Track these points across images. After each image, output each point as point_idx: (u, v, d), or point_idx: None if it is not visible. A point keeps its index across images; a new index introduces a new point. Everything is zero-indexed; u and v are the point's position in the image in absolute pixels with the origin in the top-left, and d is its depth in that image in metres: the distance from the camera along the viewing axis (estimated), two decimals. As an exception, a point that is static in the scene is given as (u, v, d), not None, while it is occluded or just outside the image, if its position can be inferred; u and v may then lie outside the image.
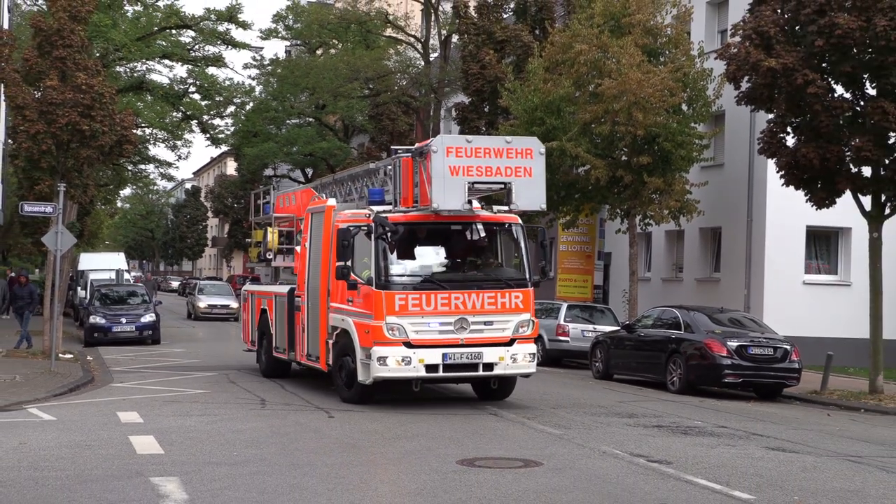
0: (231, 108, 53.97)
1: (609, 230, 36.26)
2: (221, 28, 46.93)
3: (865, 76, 22.96)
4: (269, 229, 24.02)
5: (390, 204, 18.57)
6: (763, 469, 13.08)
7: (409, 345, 17.56)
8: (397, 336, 17.52)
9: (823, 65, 23.02)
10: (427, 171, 17.72)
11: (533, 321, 18.57)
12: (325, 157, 55.86)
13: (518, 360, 18.16)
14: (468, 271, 18.86)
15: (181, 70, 50.83)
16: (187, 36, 47.58)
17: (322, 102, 55.53)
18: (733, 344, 23.04)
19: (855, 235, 28.99)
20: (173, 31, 46.99)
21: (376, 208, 18.32)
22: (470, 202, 17.82)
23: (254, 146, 58.61)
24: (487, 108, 38.59)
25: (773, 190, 28.40)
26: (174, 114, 49.44)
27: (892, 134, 22.65)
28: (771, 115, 24.40)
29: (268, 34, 58.18)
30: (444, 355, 17.69)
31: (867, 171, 23.56)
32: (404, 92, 53.04)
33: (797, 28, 23.06)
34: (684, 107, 29.89)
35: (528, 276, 18.61)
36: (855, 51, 22.51)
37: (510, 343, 18.07)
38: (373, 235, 17.77)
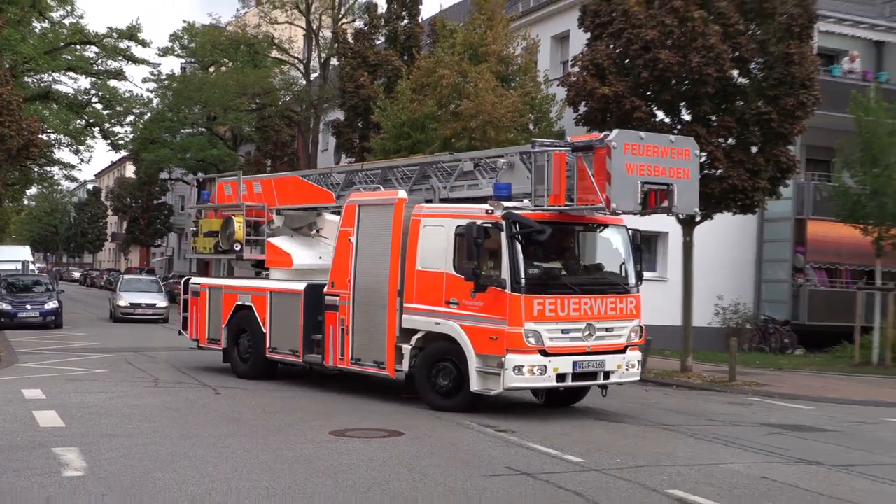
0: (130, 118, 53.74)
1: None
2: (123, 45, 46.79)
3: (682, 104, 23.67)
4: (236, 218, 19.66)
5: (514, 199, 15.24)
6: (593, 437, 13.45)
7: (544, 353, 14.52)
8: (534, 344, 14.43)
9: (648, 93, 23.66)
10: (601, 168, 14.53)
11: (642, 327, 16.17)
12: (216, 162, 55.23)
13: (631, 367, 15.67)
14: (593, 275, 16.03)
15: (85, 82, 49.96)
16: (91, 51, 47.26)
17: (213, 114, 54.89)
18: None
19: (671, 239, 29.81)
20: (78, 47, 46.40)
21: (506, 205, 14.91)
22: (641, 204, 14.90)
23: (151, 152, 58.29)
24: (361, 123, 38.53)
25: (605, 199, 28.95)
26: (78, 121, 48.78)
27: (703, 153, 23.42)
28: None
29: (165, 52, 57.36)
30: (575, 364, 14.85)
31: (682, 184, 24.23)
32: (287, 107, 52.81)
33: (626, 61, 23.64)
34: (531, 126, 30.36)
35: (636, 280, 16.14)
36: (674, 82, 23.21)
37: (624, 350, 15.58)
38: (504, 234, 14.48)
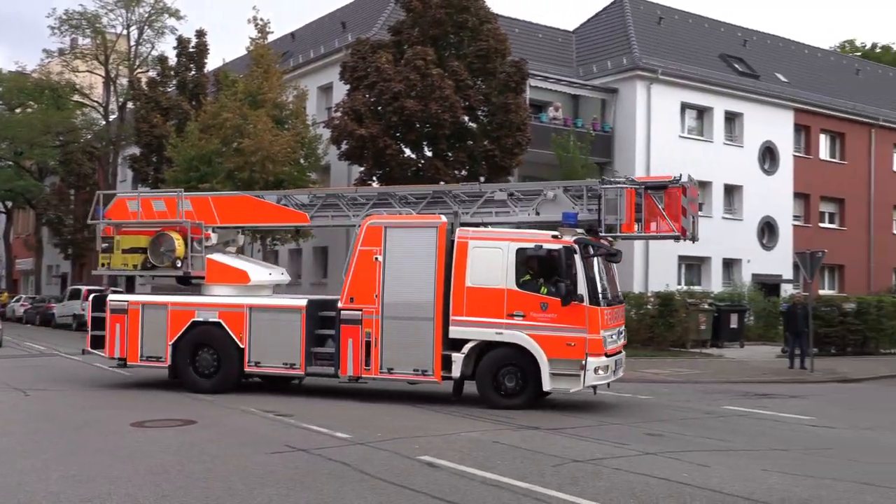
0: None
1: (247, 250, 35.67)
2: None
3: (425, 143, 24.14)
4: (175, 235, 16.91)
5: (577, 226, 15.04)
6: (358, 417, 13.36)
7: (608, 355, 14.63)
8: (605, 347, 14.51)
9: (397, 134, 24.00)
10: (675, 204, 14.92)
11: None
12: (23, 192, 51.80)
13: (623, 363, 15.82)
14: (613, 288, 15.83)
15: None
16: None
17: (20, 150, 51.26)
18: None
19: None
20: None
21: (564, 230, 14.74)
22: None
23: (-40, 183, 53.34)
24: (155, 157, 37.04)
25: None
26: None
27: (442, 182, 23.93)
28: (362, 168, 25.07)
29: (-27, 95, 52.87)
30: (616, 362, 15.05)
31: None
32: (89, 143, 50.18)
33: (379, 108, 23.89)
34: (302, 161, 30.11)
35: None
36: (418, 125, 23.63)
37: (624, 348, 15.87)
38: (578, 256, 14.30)
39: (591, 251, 14.64)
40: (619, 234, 15.41)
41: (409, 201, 16.60)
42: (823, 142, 42.11)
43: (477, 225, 15.83)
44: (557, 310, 14.43)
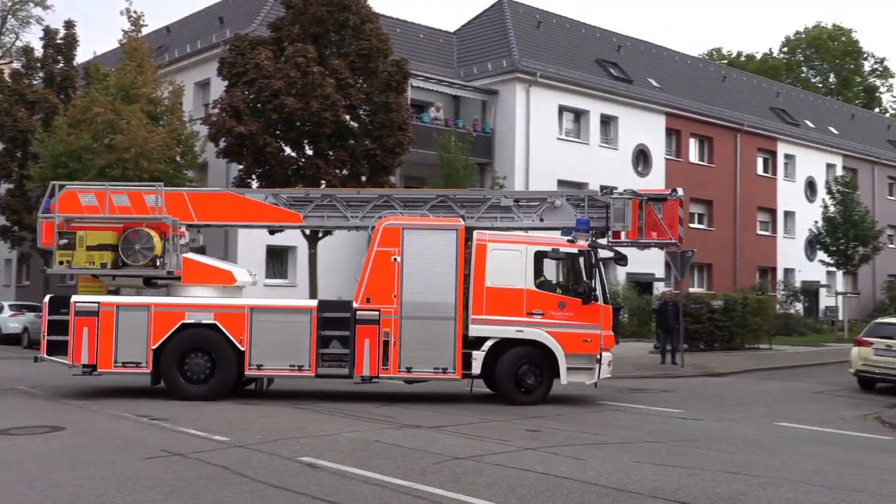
0: None
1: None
2: None
3: (306, 141, 23.92)
4: (152, 231, 15.81)
5: (592, 231, 16.32)
6: (235, 418, 13.14)
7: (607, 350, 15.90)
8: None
9: (277, 132, 23.68)
10: (672, 214, 16.66)
11: None
12: None
13: None
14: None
15: None
16: None
17: None
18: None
19: (299, 251, 29.97)
20: None
21: (576, 237, 16.09)
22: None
23: None
24: (20, 153, 35.29)
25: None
26: None
27: (323, 182, 23.76)
28: (241, 166, 24.65)
29: None
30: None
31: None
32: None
33: (259, 105, 23.52)
34: (178, 158, 29.36)
35: None
36: (298, 123, 23.39)
37: None
38: (592, 259, 15.70)
39: (599, 255, 15.94)
40: (625, 240, 16.74)
41: (411, 205, 16.76)
42: (693, 145, 43.88)
43: (486, 229, 16.41)
44: (574, 308, 15.66)
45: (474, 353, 15.47)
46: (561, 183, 36.62)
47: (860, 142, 55.19)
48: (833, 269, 44.43)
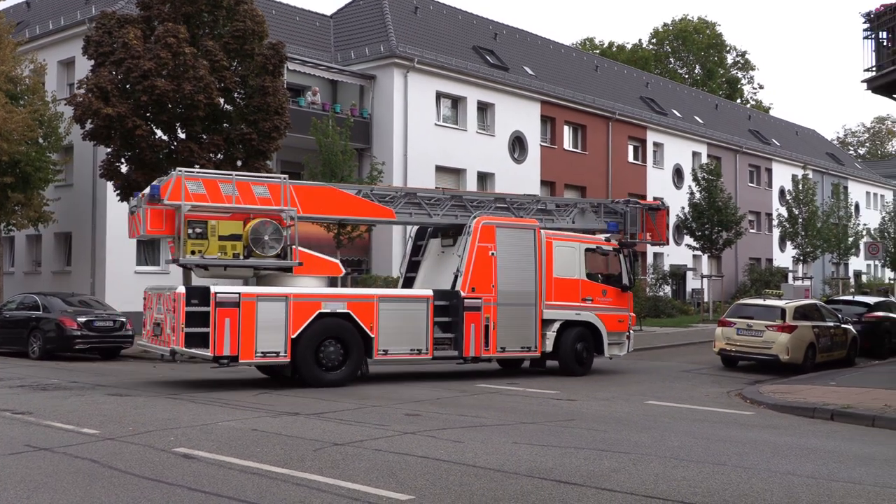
0: None
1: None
2: None
3: (178, 124, 23.24)
4: (275, 223, 16.07)
5: (621, 232, 20.42)
6: (105, 410, 12.72)
7: None
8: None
9: (148, 114, 22.92)
10: (662, 221, 21.50)
11: None
12: None
13: None
14: None
15: None
16: None
17: None
18: (82, 319, 22.24)
19: (173, 238, 29.13)
20: None
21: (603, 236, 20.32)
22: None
23: None
24: None
25: (113, 204, 27.72)
26: None
27: (196, 166, 23.18)
28: (109, 150, 23.77)
29: None
30: None
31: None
32: None
33: (128, 86, 22.71)
34: (41, 140, 28.06)
35: None
36: (170, 106, 22.70)
37: None
38: (622, 254, 20.08)
39: (630, 251, 20.27)
40: (636, 240, 20.81)
41: (476, 205, 18.99)
42: (567, 133, 44.88)
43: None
44: (613, 295, 19.68)
45: (547, 333, 18.57)
46: (439, 169, 36.88)
47: (723, 131, 57.68)
48: (699, 253, 46.36)
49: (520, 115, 41.12)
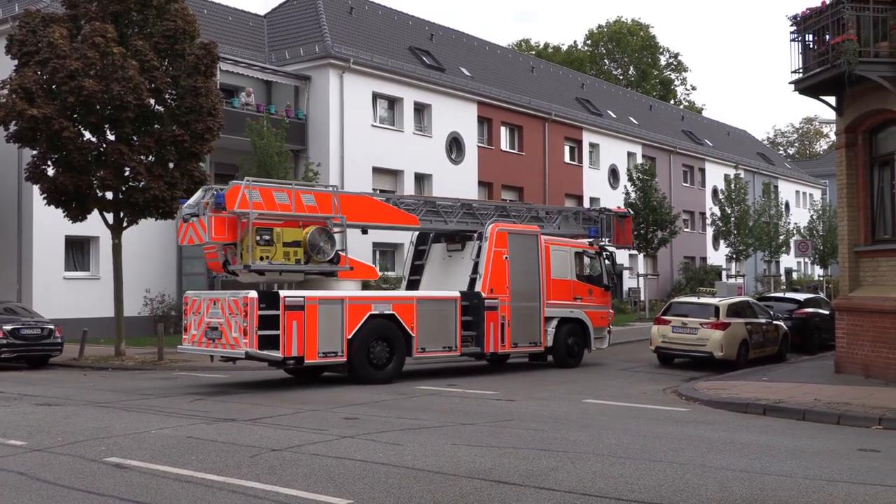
0: None
1: None
2: None
3: (107, 126, 22.78)
4: (327, 229, 17.42)
5: (599, 238, 23.06)
6: (33, 420, 12.41)
7: None
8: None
9: (75, 116, 22.41)
10: (628, 227, 24.28)
11: None
12: None
13: None
14: None
15: None
16: None
17: None
18: (8, 327, 21.65)
19: (102, 241, 28.61)
20: None
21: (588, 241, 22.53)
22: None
23: None
24: None
25: (39, 208, 27.01)
26: None
27: (126, 168, 22.75)
28: (35, 152, 23.20)
29: None
30: None
31: (110, 195, 23.43)
32: None
33: (54, 87, 22.18)
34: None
35: None
36: (98, 107, 22.24)
37: None
38: (602, 257, 22.38)
39: (608, 254, 22.52)
40: (611, 244, 23.55)
41: (482, 213, 20.78)
42: (504, 133, 45.17)
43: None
44: (596, 294, 21.83)
45: (548, 329, 20.42)
46: (376, 170, 36.80)
47: (658, 132, 58.67)
48: (634, 252, 47.04)
49: (457, 115, 41.26)
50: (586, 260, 21.99)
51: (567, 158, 49.52)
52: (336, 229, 17.58)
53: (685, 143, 60.96)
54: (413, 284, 20.81)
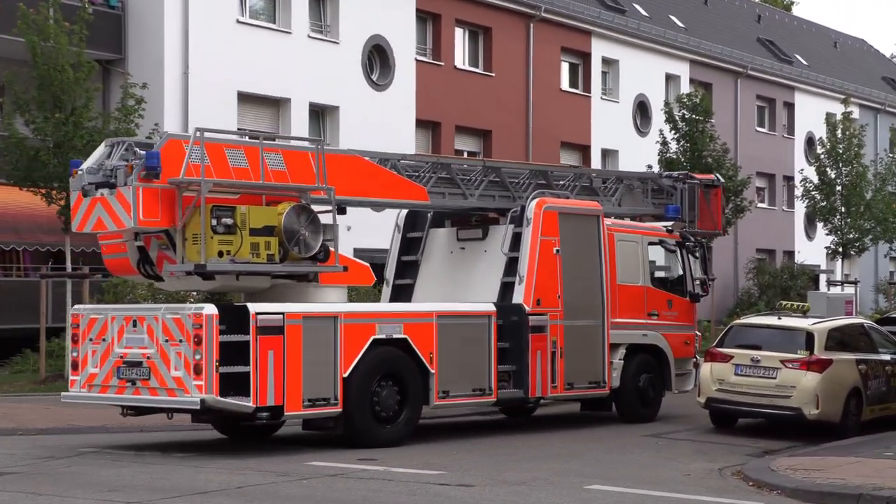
0: None
1: None
2: None
3: None
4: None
5: (681, 219, 22.90)
6: None
7: None
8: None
9: None
10: (718, 202, 24.63)
11: None
12: None
13: None
14: None
15: None
16: None
17: None
18: None
19: None
20: None
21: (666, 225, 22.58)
22: None
23: None
24: None
25: None
26: None
27: None
28: None
29: None
30: None
31: None
32: None
33: None
34: None
35: None
36: None
37: None
38: (686, 249, 22.58)
39: (693, 244, 22.70)
40: (696, 229, 23.25)
41: (514, 182, 21.10)
42: (460, 40, 45.33)
43: None
44: (679, 307, 22.21)
45: (614, 362, 20.74)
46: (244, 97, 36.55)
47: (717, 40, 58.62)
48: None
49: (380, 10, 41.00)
50: (664, 255, 22.63)
51: (566, 84, 49.66)
52: (323, 207, 17.70)
53: (763, 60, 61.31)
54: (401, 293, 20.93)
